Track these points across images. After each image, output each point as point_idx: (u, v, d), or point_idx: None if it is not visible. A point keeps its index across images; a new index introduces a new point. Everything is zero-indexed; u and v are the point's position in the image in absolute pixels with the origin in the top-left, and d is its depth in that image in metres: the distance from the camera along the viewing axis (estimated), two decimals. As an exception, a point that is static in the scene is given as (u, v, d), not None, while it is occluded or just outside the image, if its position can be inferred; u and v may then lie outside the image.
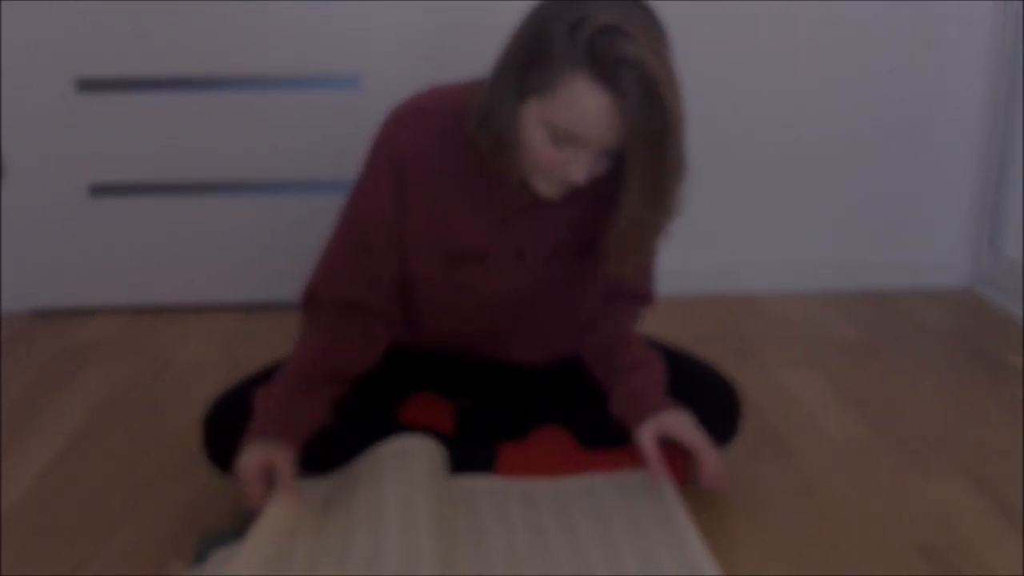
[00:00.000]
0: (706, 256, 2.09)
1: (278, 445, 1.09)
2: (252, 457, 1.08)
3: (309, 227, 1.96)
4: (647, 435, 1.16)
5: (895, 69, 2.01)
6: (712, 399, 1.29)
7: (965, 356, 1.79)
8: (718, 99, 1.99)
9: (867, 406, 1.57)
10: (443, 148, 1.13)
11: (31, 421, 1.51)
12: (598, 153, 1.02)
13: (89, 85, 1.88)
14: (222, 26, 1.85)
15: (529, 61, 1.00)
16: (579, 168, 1.02)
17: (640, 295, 1.32)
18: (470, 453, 1.23)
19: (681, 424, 1.17)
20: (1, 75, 1.84)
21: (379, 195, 1.16)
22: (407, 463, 1.14)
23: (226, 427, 1.19)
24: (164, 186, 1.96)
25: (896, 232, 2.13)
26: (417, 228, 1.17)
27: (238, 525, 1.12)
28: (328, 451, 1.20)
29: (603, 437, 1.26)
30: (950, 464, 1.38)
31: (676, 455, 1.21)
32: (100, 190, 1.95)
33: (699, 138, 1.96)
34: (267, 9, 1.85)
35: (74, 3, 1.81)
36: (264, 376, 1.26)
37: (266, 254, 2.00)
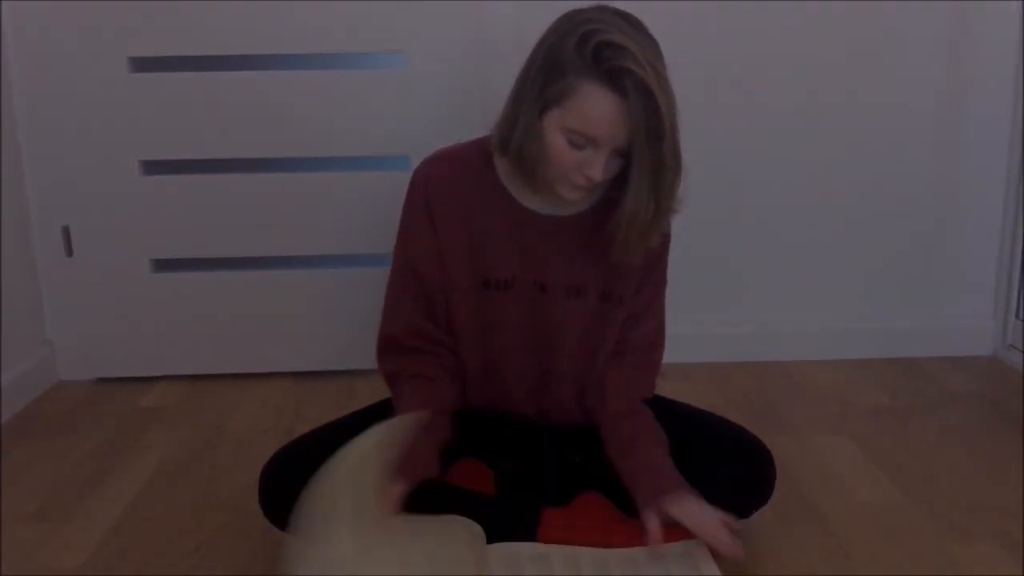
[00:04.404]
0: (736, 324, 2.12)
1: (394, 479, 1.15)
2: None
3: (356, 299, 2.05)
4: (651, 522, 1.21)
5: (922, 139, 2.06)
6: (746, 464, 1.32)
7: (994, 421, 1.80)
8: (745, 168, 2.05)
9: (899, 471, 1.58)
10: (469, 180, 1.29)
11: (96, 483, 1.57)
12: (611, 152, 1.16)
13: (153, 167, 1.99)
14: (277, 110, 1.95)
15: (545, 78, 1.15)
16: (596, 166, 1.16)
17: (649, 344, 1.38)
18: (513, 516, 1.25)
19: (684, 509, 1.20)
20: (71, 158, 1.95)
21: (419, 230, 1.30)
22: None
23: (281, 484, 1.24)
24: (222, 261, 2.05)
25: (924, 300, 2.16)
26: (451, 257, 1.29)
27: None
28: None
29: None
30: (982, 528, 1.39)
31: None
32: (162, 265, 2.04)
33: (726, 203, 2.02)
34: (321, 97, 1.95)
35: (137, 89, 1.93)
36: (316, 437, 1.33)
37: (316, 325, 2.08)
